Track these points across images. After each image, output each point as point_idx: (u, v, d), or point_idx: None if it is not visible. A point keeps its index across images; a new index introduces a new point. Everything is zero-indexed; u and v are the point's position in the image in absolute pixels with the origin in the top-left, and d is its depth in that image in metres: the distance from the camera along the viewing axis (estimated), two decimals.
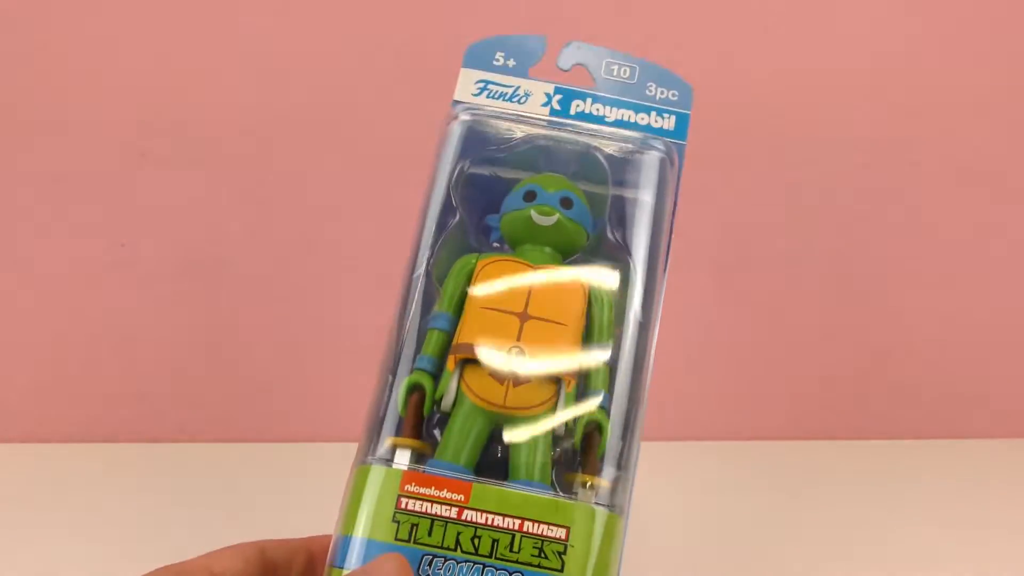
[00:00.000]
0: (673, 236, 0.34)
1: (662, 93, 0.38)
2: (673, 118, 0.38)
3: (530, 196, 0.32)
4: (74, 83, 0.57)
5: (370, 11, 0.58)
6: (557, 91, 0.38)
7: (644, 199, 0.34)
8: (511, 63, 0.38)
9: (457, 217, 0.33)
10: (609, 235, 0.33)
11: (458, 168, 0.34)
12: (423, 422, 0.30)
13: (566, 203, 0.32)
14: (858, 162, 0.63)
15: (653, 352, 0.31)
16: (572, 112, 0.37)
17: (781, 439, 0.66)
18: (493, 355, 0.29)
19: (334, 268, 0.61)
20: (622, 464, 0.30)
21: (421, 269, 0.31)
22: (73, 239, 0.59)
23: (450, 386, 0.30)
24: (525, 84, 0.38)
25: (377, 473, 0.27)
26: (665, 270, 0.33)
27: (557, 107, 0.37)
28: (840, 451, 0.65)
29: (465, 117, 0.34)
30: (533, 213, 0.32)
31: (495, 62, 0.38)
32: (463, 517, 0.27)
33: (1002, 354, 0.68)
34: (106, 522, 0.52)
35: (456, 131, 0.34)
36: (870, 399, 0.67)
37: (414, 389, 0.30)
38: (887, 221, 0.64)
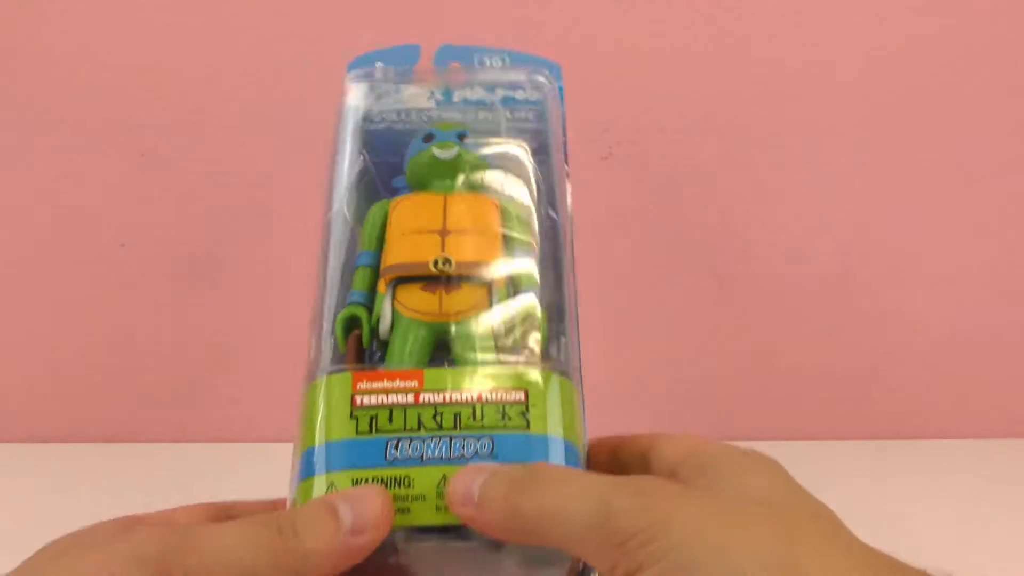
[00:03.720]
0: (569, 150, 0.36)
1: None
2: None
3: (428, 138, 0.34)
4: (74, 83, 0.57)
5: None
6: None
7: (536, 125, 0.36)
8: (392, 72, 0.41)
9: (363, 165, 0.34)
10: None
11: (362, 126, 0.35)
12: (364, 355, 0.30)
13: (464, 137, 0.34)
14: (857, 161, 0.64)
15: (573, 243, 0.33)
16: (456, 101, 0.40)
17: (781, 439, 0.65)
18: (422, 268, 0.30)
19: None
20: (562, 350, 0.30)
21: (337, 207, 0.32)
22: (73, 239, 0.59)
23: (384, 307, 0.30)
24: (407, 88, 0.40)
25: (325, 381, 0.27)
26: (567, 175, 0.35)
27: (441, 98, 0.40)
28: (840, 451, 0.64)
29: (359, 83, 0.37)
30: (434, 150, 0.33)
31: (376, 73, 0.41)
32: (420, 400, 0.26)
33: (1001, 354, 0.68)
34: None
35: (354, 91, 0.36)
36: (870, 399, 0.67)
37: (351, 323, 0.30)
38: (885, 218, 0.65)
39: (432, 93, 0.40)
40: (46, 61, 0.57)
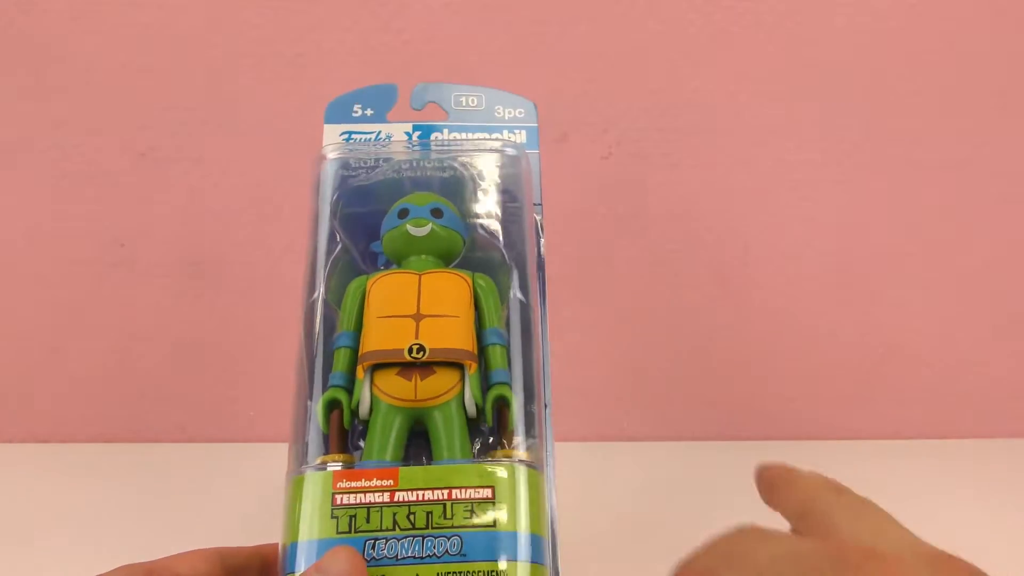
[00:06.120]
0: (544, 227, 0.37)
1: (510, 113, 0.42)
2: (524, 132, 0.42)
3: (403, 213, 0.35)
4: (74, 82, 0.57)
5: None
6: (416, 128, 0.41)
7: (505, 197, 0.37)
8: (369, 112, 0.41)
9: (340, 245, 0.36)
10: (481, 232, 0.37)
11: (336, 202, 0.36)
12: (347, 436, 0.32)
13: (436, 213, 0.35)
14: (857, 160, 0.63)
15: (544, 329, 0.34)
16: (433, 144, 0.41)
17: (781, 439, 0.66)
18: (397, 355, 0.32)
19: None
20: (533, 431, 0.32)
21: (316, 294, 0.34)
22: (73, 239, 0.59)
23: (363, 393, 0.32)
24: (385, 128, 0.41)
25: (309, 479, 0.29)
26: (540, 254, 0.36)
27: (418, 143, 0.41)
28: (840, 451, 0.63)
29: (333, 155, 0.37)
30: (408, 227, 0.35)
31: (354, 113, 0.41)
32: (395, 499, 0.29)
33: (1001, 354, 0.68)
34: (106, 522, 0.52)
35: (328, 169, 0.37)
36: (870, 399, 0.67)
37: (332, 405, 0.32)
38: (885, 218, 0.65)
39: (409, 137, 0.41)
40: (46, 61, 0.57)
